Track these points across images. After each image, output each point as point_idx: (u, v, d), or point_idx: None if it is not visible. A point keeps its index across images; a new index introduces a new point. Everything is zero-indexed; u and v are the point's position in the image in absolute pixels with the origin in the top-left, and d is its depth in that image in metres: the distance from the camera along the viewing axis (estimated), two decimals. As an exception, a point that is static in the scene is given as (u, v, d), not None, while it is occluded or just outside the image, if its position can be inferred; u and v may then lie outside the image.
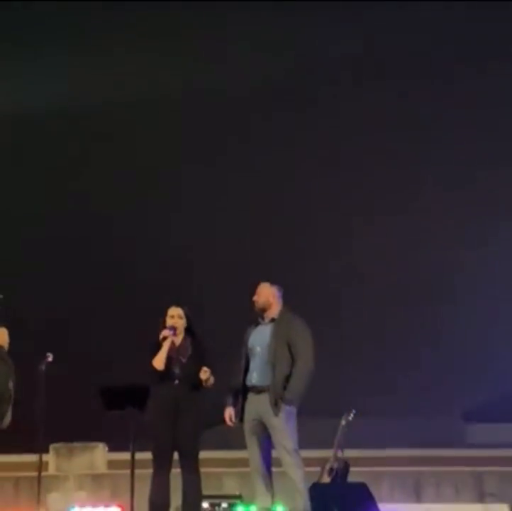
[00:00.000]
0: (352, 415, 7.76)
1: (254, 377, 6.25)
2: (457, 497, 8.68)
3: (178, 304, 6.79)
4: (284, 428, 6.06)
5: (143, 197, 12.02)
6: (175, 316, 6.73)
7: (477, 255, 12.15)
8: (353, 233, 11.75)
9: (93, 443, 10.09)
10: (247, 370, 6.32)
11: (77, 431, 9.92)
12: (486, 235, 12.29)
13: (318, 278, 11.31)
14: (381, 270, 11.99)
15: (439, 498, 8.63)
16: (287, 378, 6.10)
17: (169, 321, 6.72)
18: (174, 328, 6.66)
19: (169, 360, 6.60)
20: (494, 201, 12.45)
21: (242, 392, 6.29)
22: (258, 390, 6.19)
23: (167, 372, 6.57)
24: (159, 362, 6.58)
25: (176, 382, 6.52)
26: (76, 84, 12.24)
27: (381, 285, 12.10)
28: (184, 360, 6.62)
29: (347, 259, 11.62)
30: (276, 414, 6.04)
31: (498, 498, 8.49)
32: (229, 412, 6.38)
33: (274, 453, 6.26)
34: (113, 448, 10.00)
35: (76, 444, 10.08)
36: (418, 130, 12.57)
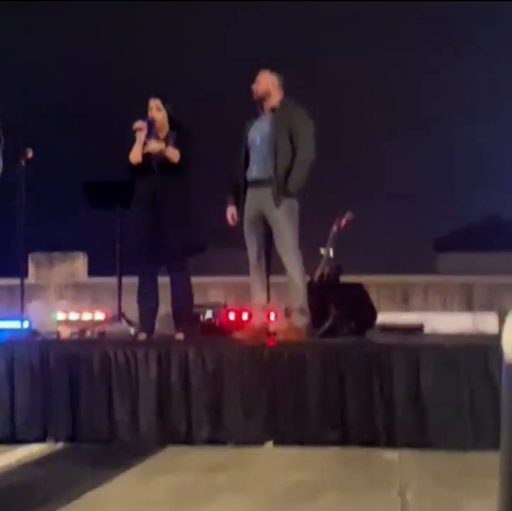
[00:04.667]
0: (345, 220, 7.47)
1: (254, 170, 5.90)
2: (446, 307, 8.63)
3: (156, 95, 6.35)
4: (285, 222, 5.77)
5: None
6: (153, 108, 6.30)
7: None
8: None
9: (74, 252, 9.89)
10: (247, 164, 5.96)
11: (58, 239, 9.68)
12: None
13: (320, 71, 10.86)
14: (380, 87, 11.59)
15: (427, 307, 8.57)
16: (289, 170, 5.76)
17: (149, 114, 6.31)
18: (151, 120, 6.25)
19: (149, 153, 6.23)
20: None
21: (242, 188, 5.96)
22: (259, 183, 5.85)
23: (145, 166, 6.21)
24: (134, 155, 6.23)
25: (155, 174, 6.17)
26: None
27: (378, 101, 11.73)
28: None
29: (350, 53, 11.15)
30: (277, 205, 5.72)
31: (487, 308, 8.44)
32: (231, 211, 6.07)
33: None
34: (94, 259, 9.82)
35: (56, 253, 9.88)
36: None
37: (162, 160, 6.18)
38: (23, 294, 6.85)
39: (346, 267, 7.87)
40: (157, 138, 6.29)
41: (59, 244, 9.74)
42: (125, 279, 7.03)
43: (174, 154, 6.17)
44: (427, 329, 7.69)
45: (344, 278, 7.50)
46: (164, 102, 6.33)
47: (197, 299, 6.81)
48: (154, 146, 6.17)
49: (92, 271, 9.95)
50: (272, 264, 6.07)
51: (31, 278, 9.66)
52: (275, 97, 5.96)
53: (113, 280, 7.33)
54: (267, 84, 5.94)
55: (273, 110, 5.93)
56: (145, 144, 6.22)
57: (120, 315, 6.53)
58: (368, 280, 8.66)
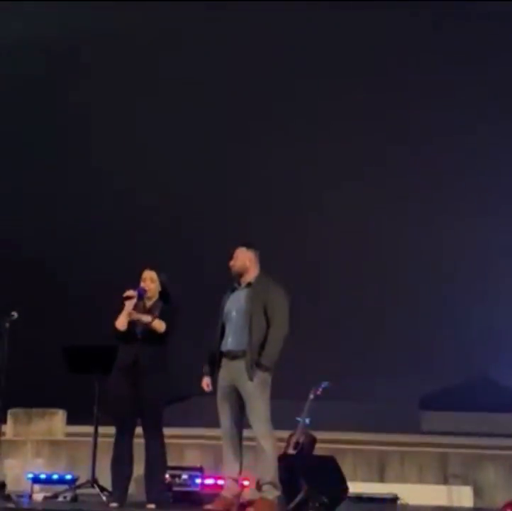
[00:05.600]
0: (321, 389, 7.61)
1: (229, 342, 6.09)
2: (421, 479, 8.63)
3: (152, 268, 6.61)
4: (257, 395, 5.90)
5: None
6: (147, 279, 6.55)
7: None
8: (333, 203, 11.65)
9: (53, 410, 9.91)
10: (223, 335, 6.17)
11: (37, 395, 9.74)
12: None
13: (298, 247, 11.21)
14: (354, 254, 11.96)
15: (403, 479, 8.57)
16: (262, 343, 5.94)
17: (141, 284, 6.55)
18: (142, 291, 6.48)
19: (135, 321, 6.42)
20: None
21: (217, 359, 6.13)
22: (233, 356, 6.03)
23: (130, 334, 6.40)
24: (120, 322, 6.41)
25: (139, 342, 6.34)
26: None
27: (351, 271, 12.06)
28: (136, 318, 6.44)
29: (329, 231, 11.54)
30: (250, 378, 5.88)
31: (462, 480, 8.47)
32: (206, 380, 6.21)
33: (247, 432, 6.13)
34: (73, 416, 9.83)
35: (35, 410, 9.90)
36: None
37: (146, 328, 6.37)
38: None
39: (324, 428, 7.94)
40: (144, 306, 6.50)
41: (39, 400, 9.78)
42: (104, 433, 7.06)
43: (160, 325, 6.36)
44: (401, 501, 7.70)
45: (322, 437, 7.55)
46: (159, 275, 6.59)
47: (173, 461, 6.83)
48: (143, 318, 6.35)
49: (71, 425, 9.95)
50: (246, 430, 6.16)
51: (9, 434, 9.65)
52: (252, 272, 6.22)
53: (89, 439, 7.37)
54: (244, 260, 6.22)
55: (249, 284, 6.18)
56: (133, 311, 6.42)
57: (93, 482, 6.54)
58: (345, 448, 8.71)
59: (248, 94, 12.22)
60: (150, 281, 6.54)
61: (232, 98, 12.06)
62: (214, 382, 6.15)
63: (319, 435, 7.44)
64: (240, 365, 5.95)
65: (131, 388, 6.31)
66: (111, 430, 6.49)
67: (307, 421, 7.33)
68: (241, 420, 6.08)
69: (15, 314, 6.88)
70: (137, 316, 6.37)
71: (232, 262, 6.27)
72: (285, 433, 7.21)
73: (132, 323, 6.41)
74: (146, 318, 6.35)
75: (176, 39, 12.34)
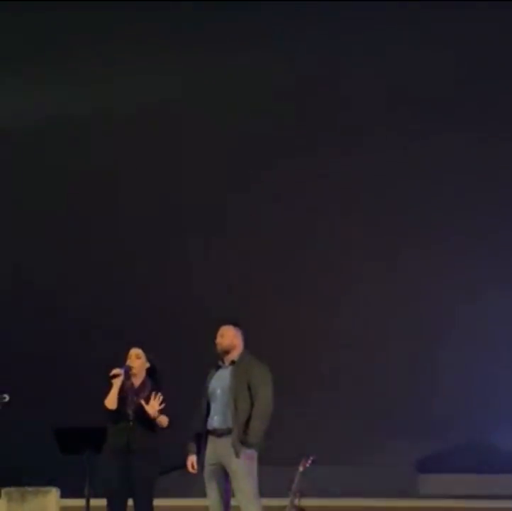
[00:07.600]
0: (309, 462, 7.69)
1: (215, 421, 6.23)
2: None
3: (138, 345, 6.77)
4: (244, 472, 6.04)
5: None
6: (132, 356, 6.70)
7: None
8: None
9: (46, 488, 9.92)
10: (208, 414, 6.30)
11: (30, 474, 9.78)
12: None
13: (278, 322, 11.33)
14: (341, 319, 12.05)
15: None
16: (248, 421, 6.09)
17: (127, 362, 6.69)
18: (128, 368, 6.62)
19: (124, 400, 6.55)
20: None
21: (203, 437, 6.27)
22: (219, 434, 6.18)
23: (121, 413, 6.52)
24: (109, 401, 6.53)
25: (130, 424, 6.47)
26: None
27: (337, 334, 12.15)
28: (139, 402, 6.57)
29: (312, 302, 11.66)
30: (237, 455, 6.02)
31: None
32: (191, 460, 6.34)
33: (233, 501, 6.23)
34: (67, 493, 9.83)
35: (28, 488, 9.90)
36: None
37: (139, 411, 6.49)
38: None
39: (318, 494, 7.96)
40: (132, 386, 6.64)
41: (32, 478, 9.82)
42: (97, 506, 7.12)
43: (164, 422, 6.50)
44: None
45: (316, 504, 7.58)
46: (145, 352, 6.73)
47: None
48: (150, 411, 6.44)
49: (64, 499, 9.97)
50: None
51: (3, 514, 9.64)
52: (237, 350, 6.39)
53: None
54: (232, 337, 6.40)
55: (233, 362, 6.34)
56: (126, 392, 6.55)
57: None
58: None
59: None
60: (135, 357, 6.68)
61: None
62: (199, 461, 6.28)
63: (313, 502, 7.49)
64: (226, 442, 6.09)
65: (123, 470, 6.43)
66: (104, 502, 6.59)
67: (297, 495, 7.40)
68: (229, 498, 6.19)
69: (6, 397, 6.99)
70: (148, 408, 6.45)
71: (219, 340, 6.43)
72: (274, 502, 7.28)
73: (123, 404, 6.54)
74: (154, 413, 6.45)
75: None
